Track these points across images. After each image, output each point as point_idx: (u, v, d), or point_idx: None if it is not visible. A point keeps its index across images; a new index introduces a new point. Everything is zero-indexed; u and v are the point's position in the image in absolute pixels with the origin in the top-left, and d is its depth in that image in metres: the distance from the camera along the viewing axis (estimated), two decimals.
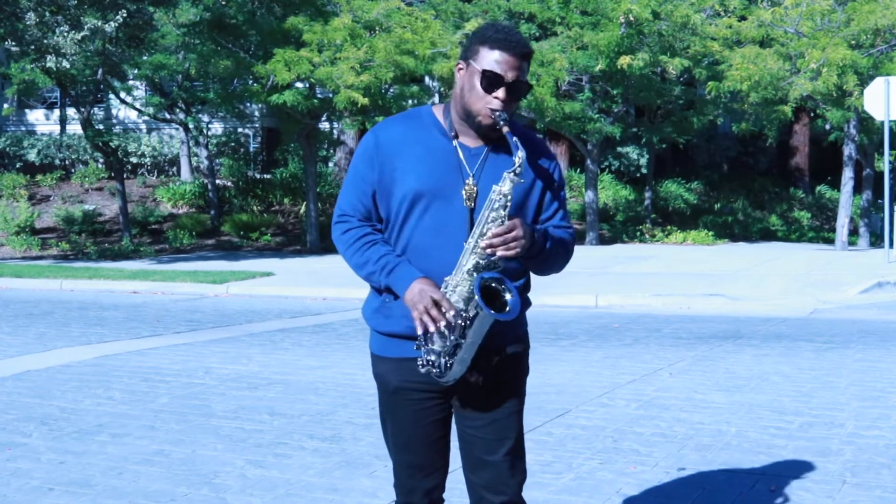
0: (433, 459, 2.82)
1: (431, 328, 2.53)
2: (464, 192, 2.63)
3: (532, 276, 2.84)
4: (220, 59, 19.25)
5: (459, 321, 2.53)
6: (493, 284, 2.52)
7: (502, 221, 2.52)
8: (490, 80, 2.58)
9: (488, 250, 2.51)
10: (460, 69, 2.67)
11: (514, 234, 2.50)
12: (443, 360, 2.59)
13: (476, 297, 2.48)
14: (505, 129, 2.56)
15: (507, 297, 2.53)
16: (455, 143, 2.68)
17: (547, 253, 2.67)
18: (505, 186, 2.53)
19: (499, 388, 2.76)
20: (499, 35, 2.61)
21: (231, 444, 5.41)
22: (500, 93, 2.58)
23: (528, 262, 2.68)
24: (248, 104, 23.95)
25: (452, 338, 2.55)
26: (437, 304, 2.53)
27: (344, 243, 2.73)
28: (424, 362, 2.61)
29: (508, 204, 2.53)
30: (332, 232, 2.79)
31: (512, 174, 2.52)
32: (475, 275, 2.53)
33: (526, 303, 2.80)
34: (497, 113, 2.58)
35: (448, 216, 2.62)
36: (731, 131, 28.04)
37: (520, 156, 2.52)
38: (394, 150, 2.68)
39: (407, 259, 2.66)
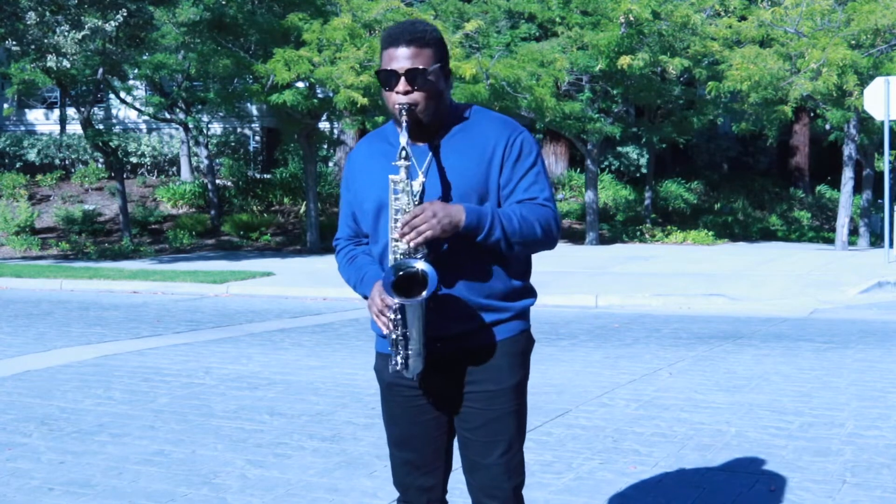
0: (429, 458, 2.81)
1: (382, 328, 2.61)
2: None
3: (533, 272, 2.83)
4: (220, 58, 19.26)
5: (391, 314, 2.57)
6: (402, 272, 2.52)
7: (411, 209, 2.56)
8: (383, 79, 2.65)
9: (403, 239, 2.53)
10: None
11: (420, 217, 2.51)
12: (399, 356, 2.62)
13: (386, 287, 2.50)
14: (403, 119, 2.60)
15: (419, 267, 2.50)
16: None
17: (502, 230, 2.59)
18: (398, 175, 2.58)
19: (490, 388, 2.71)
20: (387, 33, 2.67)
21: (231, 444, 5.41)
22: (399, 86, 2.62)
23: (484, 239, 2.58)
24: (248, 104, 23.96)
25: (398, 332, 2.59)
26: (386, 304, 2.59)
27: (338, 265, 2.90)
28: (393, 361, 2.63)
29: (408, 189, 2.57)
30: None
31: (401, 160, 2.57)
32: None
33: (527, 291, 2.78)
34: (398, 107, 2.61)
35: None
36: (731, 131, 28.03)
37: (401, 142, 2.57)
38: (359, 168, 2.80)
39: (381, 266, 2.74)
